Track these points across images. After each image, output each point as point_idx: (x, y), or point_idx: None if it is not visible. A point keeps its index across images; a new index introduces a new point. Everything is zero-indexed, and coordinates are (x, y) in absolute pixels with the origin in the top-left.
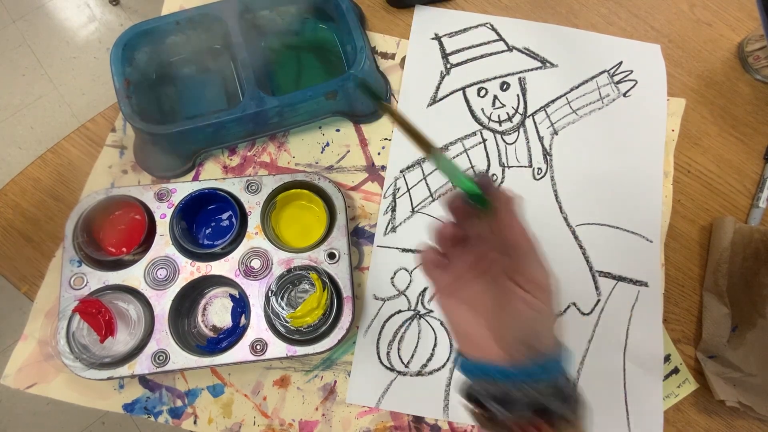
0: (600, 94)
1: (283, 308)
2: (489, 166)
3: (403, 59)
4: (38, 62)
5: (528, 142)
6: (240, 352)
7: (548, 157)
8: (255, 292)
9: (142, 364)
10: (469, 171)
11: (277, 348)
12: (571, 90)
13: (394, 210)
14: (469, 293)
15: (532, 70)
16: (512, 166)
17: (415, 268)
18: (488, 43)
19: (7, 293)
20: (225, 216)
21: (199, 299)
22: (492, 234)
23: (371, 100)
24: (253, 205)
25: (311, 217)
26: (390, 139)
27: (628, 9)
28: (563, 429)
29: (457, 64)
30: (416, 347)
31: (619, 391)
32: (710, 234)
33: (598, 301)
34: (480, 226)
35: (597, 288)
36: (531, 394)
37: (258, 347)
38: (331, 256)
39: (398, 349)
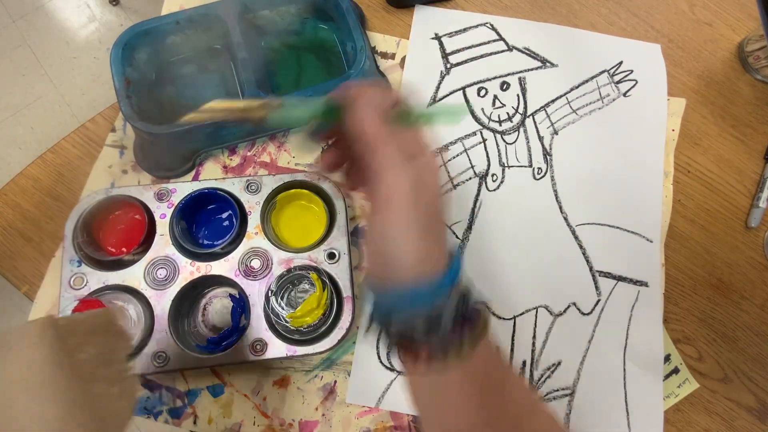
0: (600, 94)
1: (283, 308)
2: (489, 165)
3: (403, 59)
4: (38, 62)
5: (528, 142)
6: (240, 352)
7: (548, 157)
8: (255, 292)
9: (142, 364)
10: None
11: (277, 348)
12: (571, 90)
13: None
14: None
15: (532, 70)
16: (512, 166)
17: None
18: (488, 42)
19: (7, 293)
20: (225, 216)
21: (199, 299)
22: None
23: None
24: (253, 205)
25: (311, 217)
26: None
27: (628, 9)
28: (440, 356)
29: (457, 64)
30: None
31: (619, 391)
32: None
33: (598, 301)
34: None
35: (597, 288)
36: (393, 324)
37: (258, 347)
38: (331, 256)
39: None
